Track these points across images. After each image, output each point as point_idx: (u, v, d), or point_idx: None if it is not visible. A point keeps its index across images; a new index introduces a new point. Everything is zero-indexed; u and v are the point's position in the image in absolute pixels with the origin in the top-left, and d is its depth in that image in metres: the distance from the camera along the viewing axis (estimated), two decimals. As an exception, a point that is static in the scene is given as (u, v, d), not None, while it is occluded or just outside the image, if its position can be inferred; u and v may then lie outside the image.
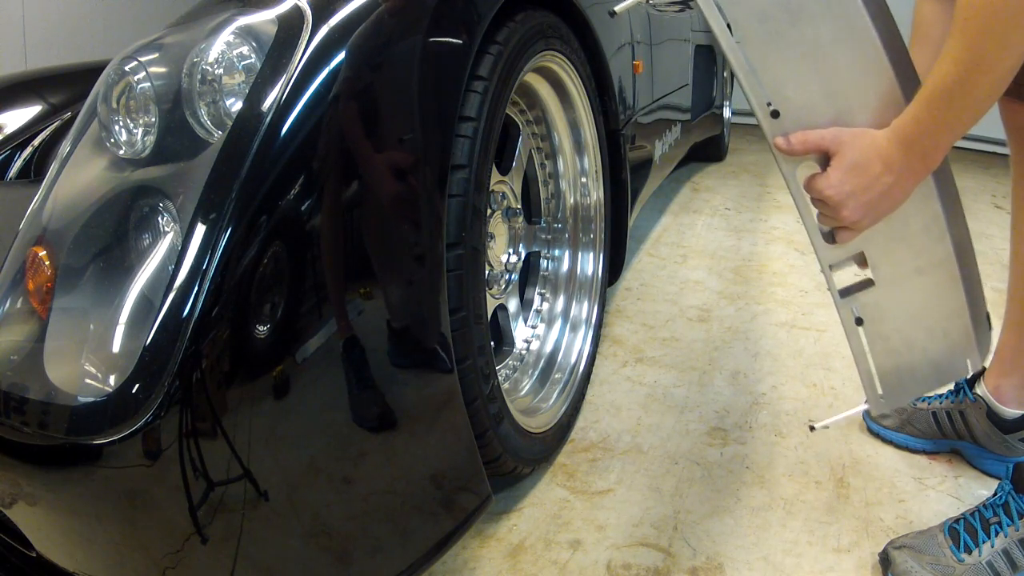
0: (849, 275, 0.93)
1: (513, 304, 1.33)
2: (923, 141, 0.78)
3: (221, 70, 0.72)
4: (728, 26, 0.81)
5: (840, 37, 0.80)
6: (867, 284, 0.92)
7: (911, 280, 0.92)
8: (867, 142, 0.80)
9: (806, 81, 0.82)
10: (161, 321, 0.64)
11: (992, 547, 0.97)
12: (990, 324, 1.00)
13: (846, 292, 0.93)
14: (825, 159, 0.83)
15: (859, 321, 0.94)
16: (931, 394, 1.34)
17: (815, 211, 0.87)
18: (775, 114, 0.83)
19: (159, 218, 0.69)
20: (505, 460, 1.06)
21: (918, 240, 0.90)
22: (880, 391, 1.00)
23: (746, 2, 0.80)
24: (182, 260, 0.65)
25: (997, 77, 0.75)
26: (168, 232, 0.68)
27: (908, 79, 0.82)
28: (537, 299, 1.41)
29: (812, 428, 1.10)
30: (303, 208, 0.70)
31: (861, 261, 0.91)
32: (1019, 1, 0.70)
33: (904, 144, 0.78)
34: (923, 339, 0.97)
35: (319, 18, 0.74)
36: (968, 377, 1.26)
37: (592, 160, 1.40)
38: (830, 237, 0.89)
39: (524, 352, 1.34)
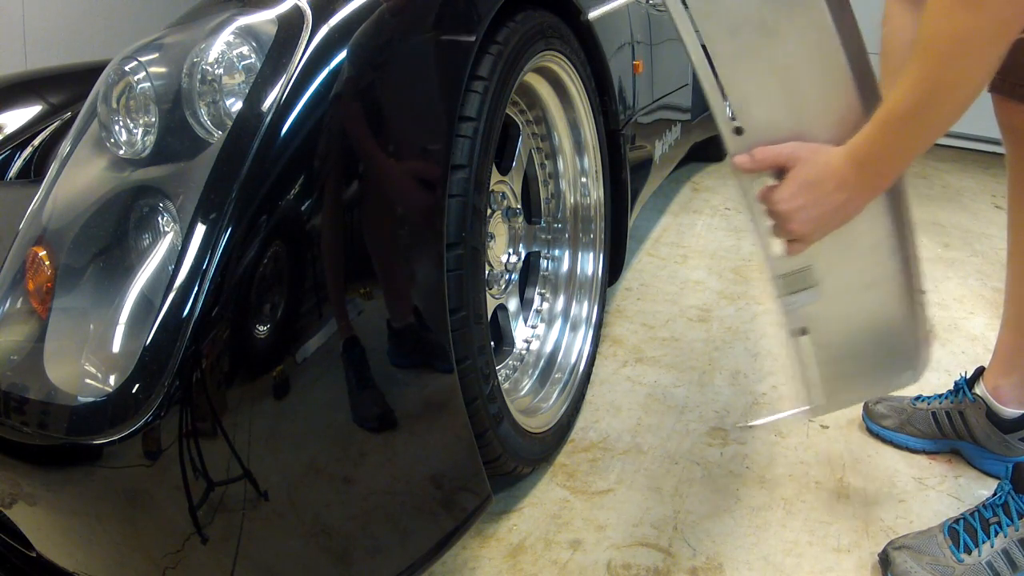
0: (797, 284, 0.94)
1: (513, 304, 1.33)
2: (877, 162, 0.79)
3: (221, 70, 0.72)
4: (702, 44, 0.82)
5: (809, 56, 0.81)
6: (814, 295, 0.93)
7: (858, 294, 0.94)
8: (823, 159, 0.81)
9: (772, 99, 0.82)
10: (161, 321, 0.64)
11: (992, 547, 0.97)
12: (932, 337, 1.01)
13: (793, 302, 0.94)
14: (781, 172, 0.84)
15: (803, 331, 0.96)
16: (929, 394, 1.34)
17: (769, 222, 0.88)
18: (738, 131, 0.84)
19: (159, 218, 0.69)
20: (505, 460, 1.06)
21: (867, 257, 0.91)
22: (821, 397, 1.02)
23: (719, 16, 0.80)
24: (182, 260, 0.65)
25: (955, 105, 0.75)
26: (168, 232, 0.68)
27: (871, 102, 0.83)
28: (537, 299, 1.41)
29: (750, 426, 1.11)
30: (303, 208, 0.70)
31: (810, 274, 0.92)
32: (982, 33, 0.70)
33: (858, 163, 0.79)
34: (867, 349, 0.98)
35: (319, 18, 0.74)
36: (968, 378, 1.27)
37: (592, 160, 1.40)
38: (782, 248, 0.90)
39: (524, 352, 1.34)
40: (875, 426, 1.35)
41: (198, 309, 0.64)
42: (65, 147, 0.78)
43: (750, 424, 1.11)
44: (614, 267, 1.54)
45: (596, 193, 1.42)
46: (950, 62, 0.72)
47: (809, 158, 0.81)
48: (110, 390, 0.64)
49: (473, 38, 0.89)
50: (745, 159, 0.84)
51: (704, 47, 0.82)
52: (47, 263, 0.72)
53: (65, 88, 1.43)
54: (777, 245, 0.89)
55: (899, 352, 0.98)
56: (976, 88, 0.74)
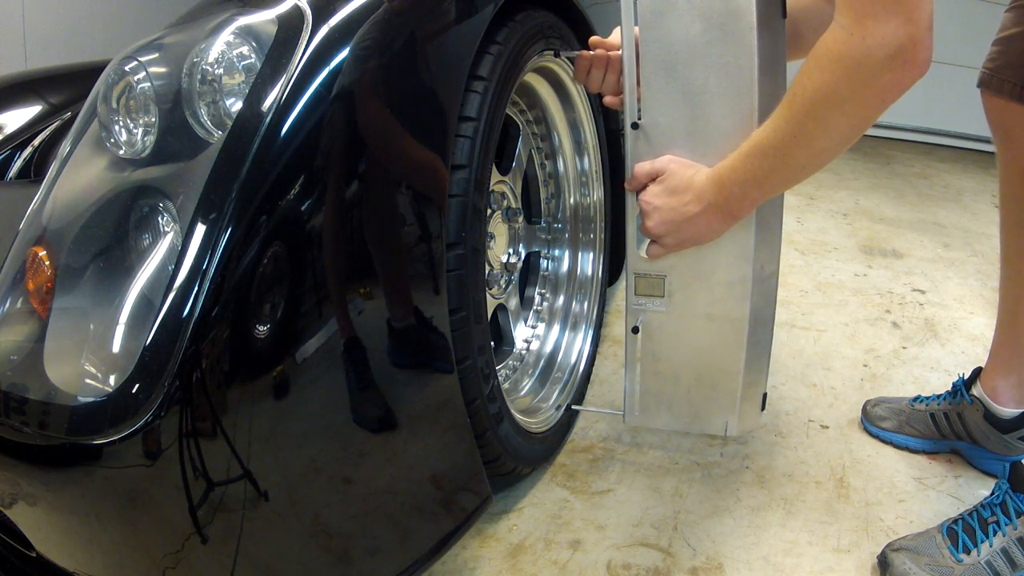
0: (650, 289, 1.00)
1: (513, 304, 1.33)
2: (732, 187, 0.86)
3: (221, 70, 0.72)
4: (637, 43, 0.88)
5: (725, 93, 0.87)
6: (661, 305, 0.99)
7: (699, 322, 0.98)
8: (689, 174, 0.89)
9: (678, 115, 0.89)
10: (161, 321, 0.64)
11: (991, 547, 0.97)
12: (764, 406, 1.04)
13: (640, 304, 0.99)
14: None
15: (635, 330, 1.01)
16: (927, 395, 1.34)
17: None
18: (635, 125, 0.91)
19: (159, 218, 0.69)
20: (505, 460, 1.06)
21: (719, 291, 0.96)
22: (637, 406, 1.06)
23: (662, 28, 0.87)
24: (182, 260, 0.65)
25: (813, 153, 0.80)
26: (168, 232, 0.68)
27: None
28: (537, 299, 1.41)
29: (574, 409, 1.20)
30: (303, 208, 0.70)
31: (663, 284, 0.98)
32: (845, 93, 0.74)
33: (716, 184, 0.87)
34: (690, 381, 1.02)
35: (319, 18, 0.74)
36: (965, 379, 1.27)
37: (592, 160, 1.40)
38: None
39: (524, 352, 1.34)
40: (874, 428, 1.35)
41: (198, 309, 0.64)
42: (65, 147, 0.78)
43: (573, 408, 1.21)
44: (614, 267, 1.54)
45: (596, 193, 1.43)
46: (813, 116, 0.77)
47: (678, 170, 0.90)
48: (110, 390, 0.64)
49: (473, 38, 0.89)
50: (630, 181, 0.94)
51: (638, 47, 0.88)
52: (47, 263, 0.72)
53: (65, 88, 1.43)
54: (643, 246, 0.96)
55: (719, 397, 1.02)
56: (837, 144, 0.79)
